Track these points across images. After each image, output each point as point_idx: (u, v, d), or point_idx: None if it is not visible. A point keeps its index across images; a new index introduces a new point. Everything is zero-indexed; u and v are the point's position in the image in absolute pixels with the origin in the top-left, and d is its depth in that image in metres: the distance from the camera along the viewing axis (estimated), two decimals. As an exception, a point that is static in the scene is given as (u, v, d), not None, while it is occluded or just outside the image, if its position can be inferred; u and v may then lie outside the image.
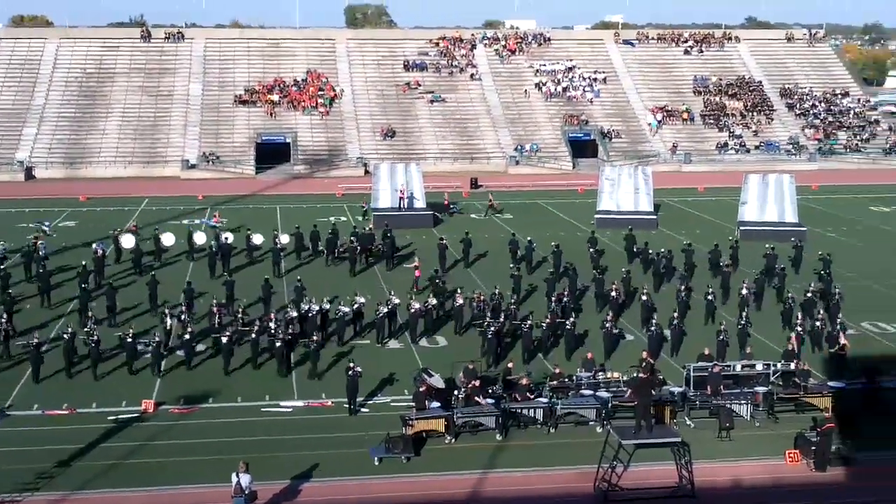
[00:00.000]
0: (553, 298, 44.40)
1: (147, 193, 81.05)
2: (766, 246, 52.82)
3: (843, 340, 37.86)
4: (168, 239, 57.13)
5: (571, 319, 40.76)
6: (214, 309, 41.51)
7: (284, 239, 56.54)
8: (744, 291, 44.95)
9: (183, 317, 40.51)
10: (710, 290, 45.22)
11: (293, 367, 37.73)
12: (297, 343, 39.60)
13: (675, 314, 41.37)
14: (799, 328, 39.69)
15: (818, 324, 40.59)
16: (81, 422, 32.54)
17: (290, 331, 39.50)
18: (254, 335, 38.21)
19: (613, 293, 45.20)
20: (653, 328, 39.77)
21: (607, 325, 40.33)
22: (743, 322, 40.33)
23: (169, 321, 40.48)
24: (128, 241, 55.55)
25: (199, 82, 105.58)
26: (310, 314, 40.84)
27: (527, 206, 74.92)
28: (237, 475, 25.84)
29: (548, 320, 40.54)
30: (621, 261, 54.73)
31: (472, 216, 70.56)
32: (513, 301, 44.01)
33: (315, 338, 37.67)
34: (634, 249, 55.76)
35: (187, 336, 38.19)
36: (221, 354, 37.76)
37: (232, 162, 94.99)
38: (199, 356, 38.93)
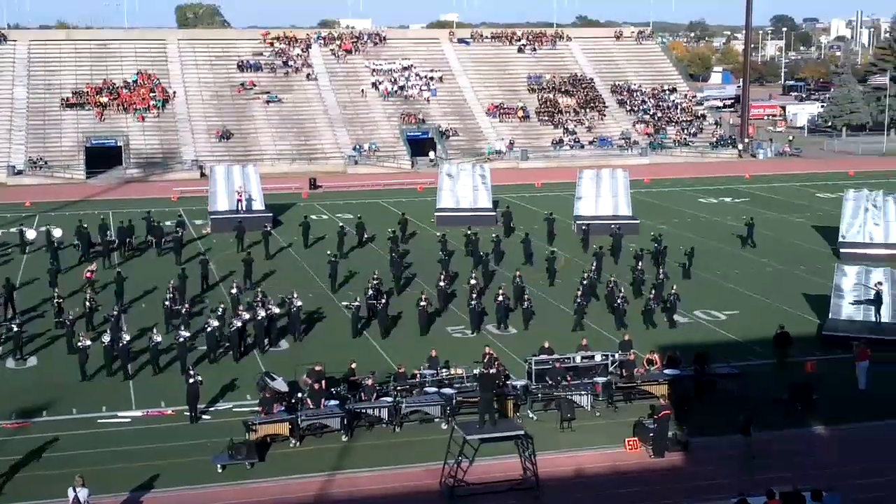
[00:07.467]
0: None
1: (-29, 201, 77.92)
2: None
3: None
4: None
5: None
6: None
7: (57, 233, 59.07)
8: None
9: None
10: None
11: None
12: None
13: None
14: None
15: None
16: None
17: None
18: None
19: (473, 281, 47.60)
20: (473, 303, 43.18)
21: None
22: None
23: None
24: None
25: (24, 86, 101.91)
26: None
27: (367, 206, 74.79)
28: (74, 490, 25.09)
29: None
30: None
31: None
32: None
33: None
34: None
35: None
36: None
37: (61, 167, 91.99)
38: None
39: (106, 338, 37.83)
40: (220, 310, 40.85)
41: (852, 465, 29.42)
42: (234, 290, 44.62)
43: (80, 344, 37.16)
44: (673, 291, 44.39)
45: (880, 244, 57.03)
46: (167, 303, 43.30)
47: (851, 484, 27.49)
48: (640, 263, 50.23)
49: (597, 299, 46.13)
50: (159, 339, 37.98)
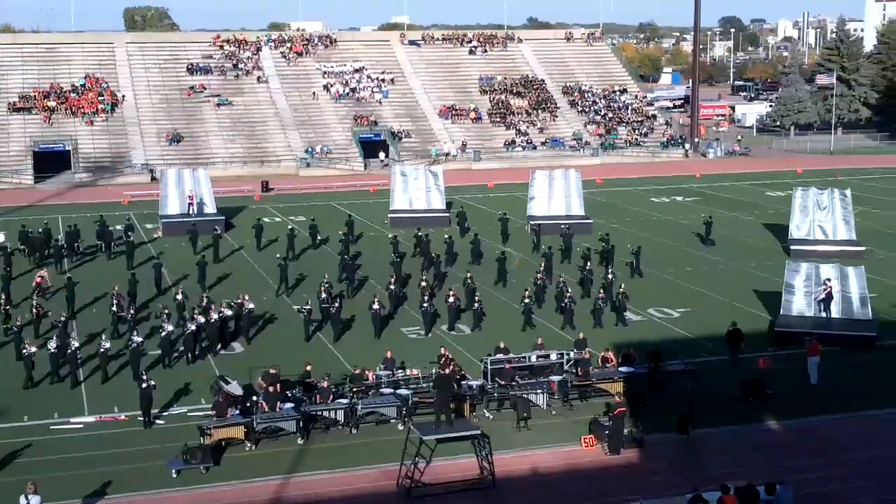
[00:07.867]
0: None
1: (-84, 207, 76.67)
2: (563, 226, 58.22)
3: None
4: None
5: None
6: None
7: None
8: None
9: None
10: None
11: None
12: None
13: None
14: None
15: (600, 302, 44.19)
16: None
17: None
18: None
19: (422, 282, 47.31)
20: (425, 305, 42.78)
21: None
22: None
23: None
24: None
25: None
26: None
27: (320, 209, 74.56)
28: (26, 497, 24.75)
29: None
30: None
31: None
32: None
33: None
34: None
35: None
36: None
37: (8, 172, 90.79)
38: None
39: (52, 344, 37.32)
40: (165, 315, 40.42)
41: (804, 459, 29.75)
42: (178, 297, 44.20)
43: (25, 351, 36.70)
44: (621, 291, 44.64)
45: (828, 241, 57.81)
46: (114, 308, 42.89)
47: (804, 478, 27.78)
48: (588, 263, 50.40)
49: (543, 301, 46.16)
50: (108, 345, 37.54)
